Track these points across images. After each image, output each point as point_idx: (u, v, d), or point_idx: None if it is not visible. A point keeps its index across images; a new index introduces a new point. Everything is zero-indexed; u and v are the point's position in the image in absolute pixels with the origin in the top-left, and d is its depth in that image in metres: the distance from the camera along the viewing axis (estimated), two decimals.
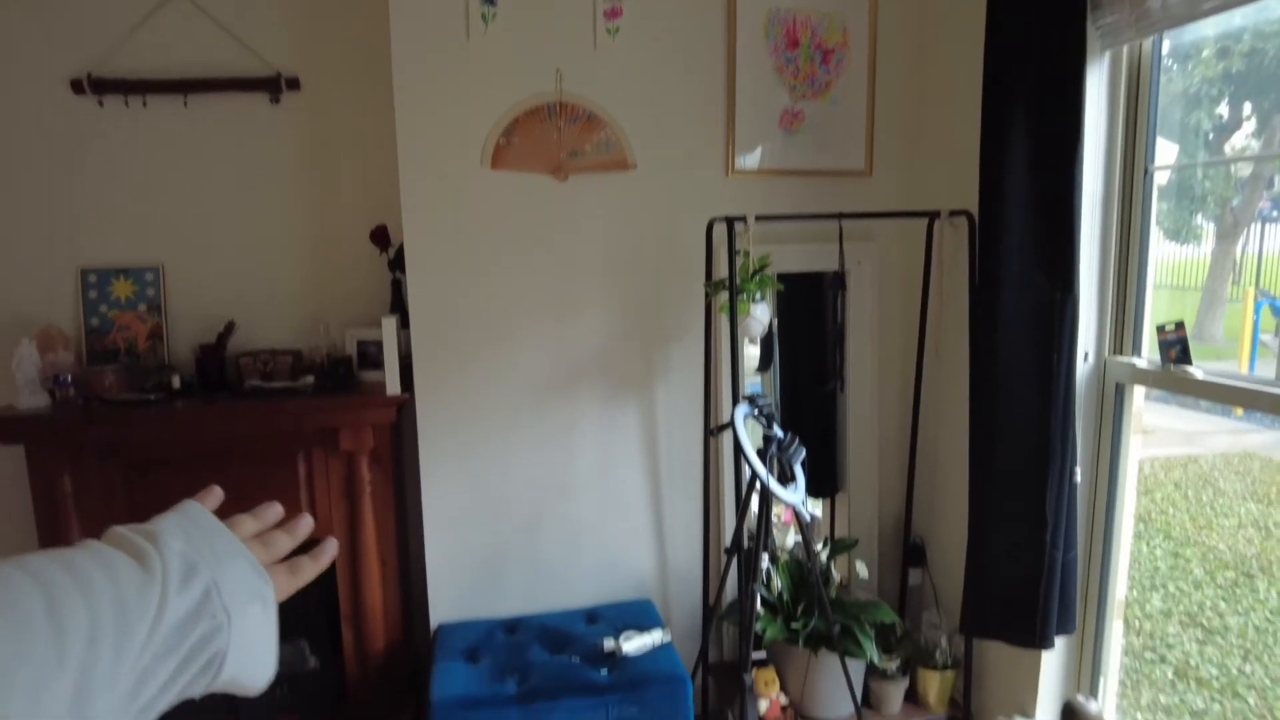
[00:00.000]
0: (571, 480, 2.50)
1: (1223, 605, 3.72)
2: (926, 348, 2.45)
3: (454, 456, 2.41)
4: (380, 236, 2.50)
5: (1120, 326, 2.01)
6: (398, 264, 2.50)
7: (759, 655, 2.34)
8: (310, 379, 2.41)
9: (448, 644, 2.27)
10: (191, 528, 0.50)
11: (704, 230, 2.33)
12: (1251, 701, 3.01)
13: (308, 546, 0.61)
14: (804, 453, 1.90)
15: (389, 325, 2.28)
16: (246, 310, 2.53)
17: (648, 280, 2.45)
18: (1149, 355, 1.98)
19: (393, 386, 2.30)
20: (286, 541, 0.58)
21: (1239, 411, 6.10)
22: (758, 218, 2.12)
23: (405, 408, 2.40)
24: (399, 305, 2.53)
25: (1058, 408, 1.91)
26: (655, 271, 2.44)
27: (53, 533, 2.21)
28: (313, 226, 2.56)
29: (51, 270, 2.42)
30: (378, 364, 2.45)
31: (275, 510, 0.59)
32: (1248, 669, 3.22)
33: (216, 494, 0.57)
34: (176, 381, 2.34)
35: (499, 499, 2.46)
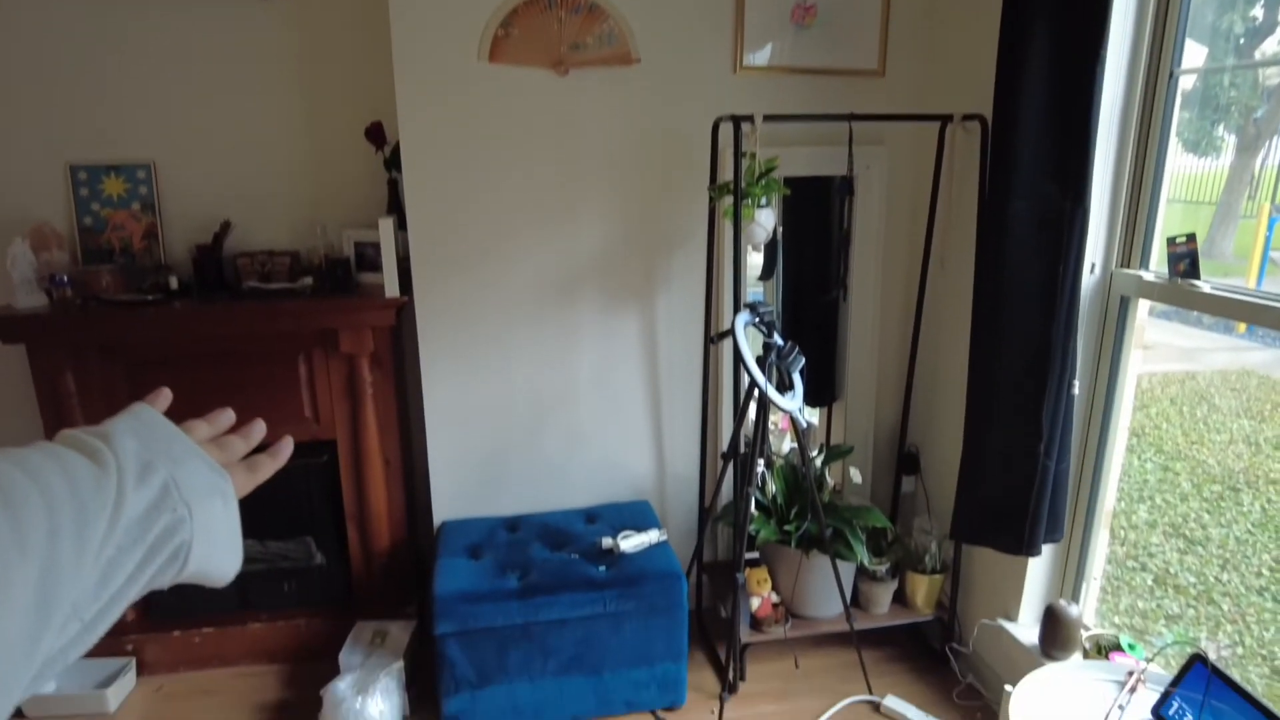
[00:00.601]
0: (572, 384, 2.51)
1: (1206, 517, 3.81)
2: (932, 256, 2.42)
3: (454, 359, 2.41)
4: (375, 134, 2.42)
5: (1129, 238, 1.97)
6: (394, 163, 2.43)
7: (752, 555, 2.41)
8: (309, 280, 2.39)
9: (451, 541, 2.33)
10: (143, 429, 0.51)
11: (709, 130, 2.26)
12: (1225, 607, 3.13)
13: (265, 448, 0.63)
14: (803, 361, 1.90)
15: (386, 226, 2.24)
16: (242, 210, 2.49)
17: (650, 182, 2.39)
18: (1156, 269, 1.95)
19: (391, 289, 2.29)
20: (241, 445, 0.60)
21: (1241, 328, 6.07)
22: (765, 118, 2.05)
23: (405, 310, 2.39)
24: (396, 206, 2.48)
25: (1060, 319, 1.90)
26: (658, 173, 2.38)
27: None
28: (307, 123, 2.48)
29: (39, 166, 2.36)
30: (376, 266, 2.42)
31: (228, 415, 0.61)
32: (1225, 577, 3.33)
33: (166, 395, 0.58)
34: (174, 282, 2.32)
35: (500, 401, 2.48)
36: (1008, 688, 1.54)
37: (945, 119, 2.25)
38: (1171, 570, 3.38)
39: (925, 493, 2.59)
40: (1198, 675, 1.44)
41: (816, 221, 2.65)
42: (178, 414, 0.55)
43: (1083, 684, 1.60)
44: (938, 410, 2.54)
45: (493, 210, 2.33)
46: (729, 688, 2.33)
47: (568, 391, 2.52)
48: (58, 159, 2.36)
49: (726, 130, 2.18)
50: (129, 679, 2.32)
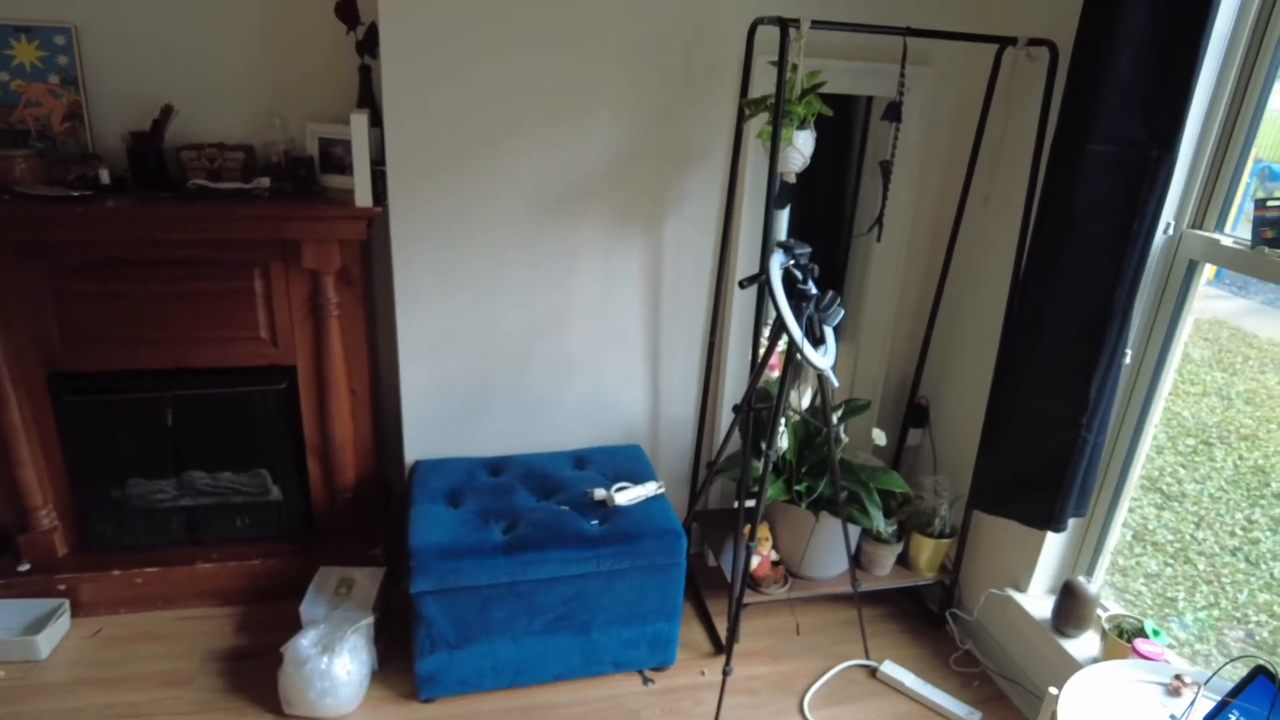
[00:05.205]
0: (564, 313, 2.26)
1: (1182, 472, 3.80)
2: (971, 195, 2.19)
3: (434, 278, 2.13)
4: (347, 11, 2.06)
5: (1207, 197, 1.77)
6: (368, 46, 2.08)
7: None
8: (265, 181, 2.06)
9: (426, 484, 2.11)
10: None
11: (731, 31, 1.95)
12: (1200, 567, 3.12)
13: None
14: (841, 314, 1.68)
15: (359, 123, 1.91)
16: (186, 93, 2.11)
17: (667, 89, 2.08)
18: (1234, 233, 1.76)
19: (363, 197, 1.97)
20: None
21: (1210, 274, 6.04)
22: (812, 24, 1.76)
23: (377, 221, 2.08)
24: (369, 98, 2.15)
25: (1125, 282, 1.71)
26: (676, 78, 2.07)
27: None
28: None
29: None
30: (343, 167, 2.12)
31: None
32: (1199, 535, 3.32)
33: None
34: (105, 175, 1.97)
35: (483, 328, 2.22)
36: (1052, 690, 1.42)
37: (1007, 41, 1.98)
38: (1149, 526, 3.36)
39: (933, 448, 2.46)
40: (1262, 689, 1.34)
41: (833, 148, 2.39)
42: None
43: (1126, 685, 1.49)
44: (955, 362, 2.37)
45: (486, 106, 2.00)
46: (724, 652, 2.22)
47: (560, 321, 2.27)
48: None
49: (764, 35, 1.89)
50: (63, 623, 2.08)
